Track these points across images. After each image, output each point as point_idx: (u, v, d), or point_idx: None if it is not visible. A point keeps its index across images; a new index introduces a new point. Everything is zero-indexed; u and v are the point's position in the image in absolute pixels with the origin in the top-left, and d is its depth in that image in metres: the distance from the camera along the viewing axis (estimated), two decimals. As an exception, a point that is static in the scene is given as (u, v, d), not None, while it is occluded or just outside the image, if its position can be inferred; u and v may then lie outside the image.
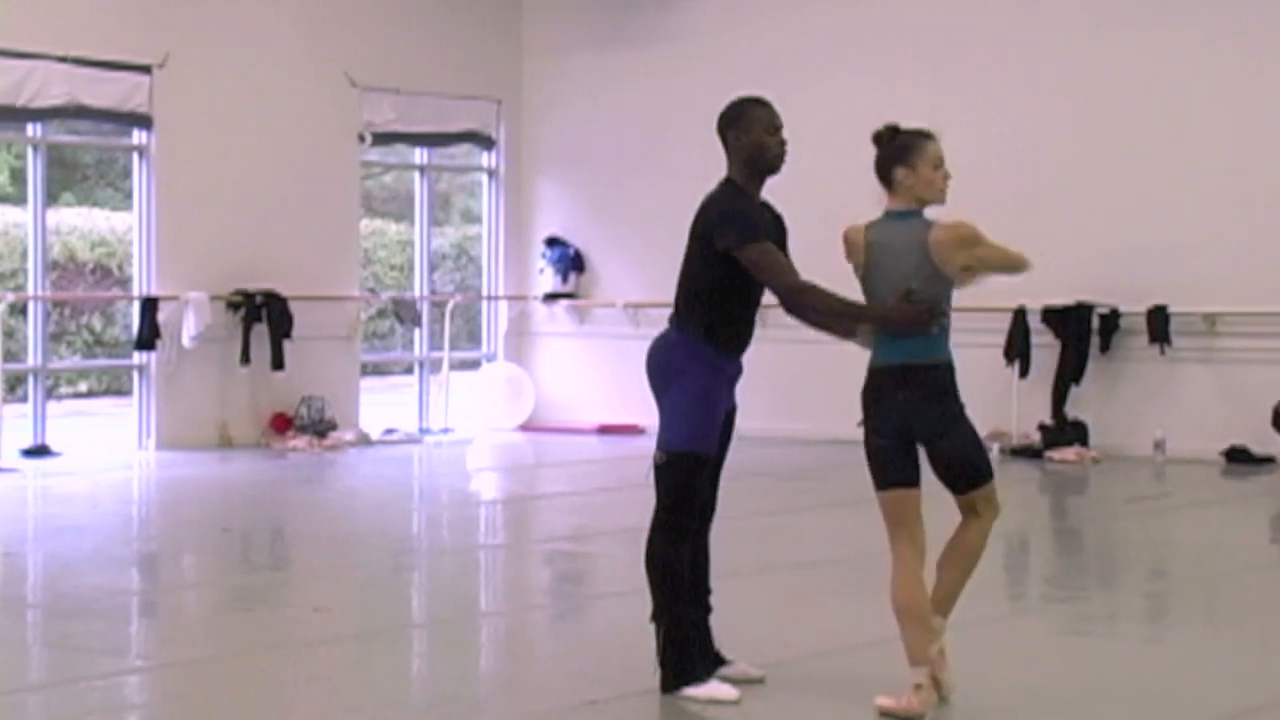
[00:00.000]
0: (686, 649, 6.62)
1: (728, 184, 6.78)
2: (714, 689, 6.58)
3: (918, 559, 6.42)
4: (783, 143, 6.77)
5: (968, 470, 6.48)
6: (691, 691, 6.57)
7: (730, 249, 6.56)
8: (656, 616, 6.67)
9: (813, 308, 6.58)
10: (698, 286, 6.70)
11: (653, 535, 6.77)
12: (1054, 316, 15.70)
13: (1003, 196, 14.80)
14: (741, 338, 6.77)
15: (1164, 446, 15.07)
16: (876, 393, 6.52)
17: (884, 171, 6.50)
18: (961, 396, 6.50)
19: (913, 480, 6.43)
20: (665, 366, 6.74)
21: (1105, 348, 15.71)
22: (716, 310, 6.67)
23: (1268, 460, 14.70)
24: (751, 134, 6.76)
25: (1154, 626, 8.70)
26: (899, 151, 6.47)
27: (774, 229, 6.75)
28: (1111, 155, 15.62)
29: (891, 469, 6.44)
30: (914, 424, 6.42)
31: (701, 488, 6.77)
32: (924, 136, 6.49)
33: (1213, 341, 15.27)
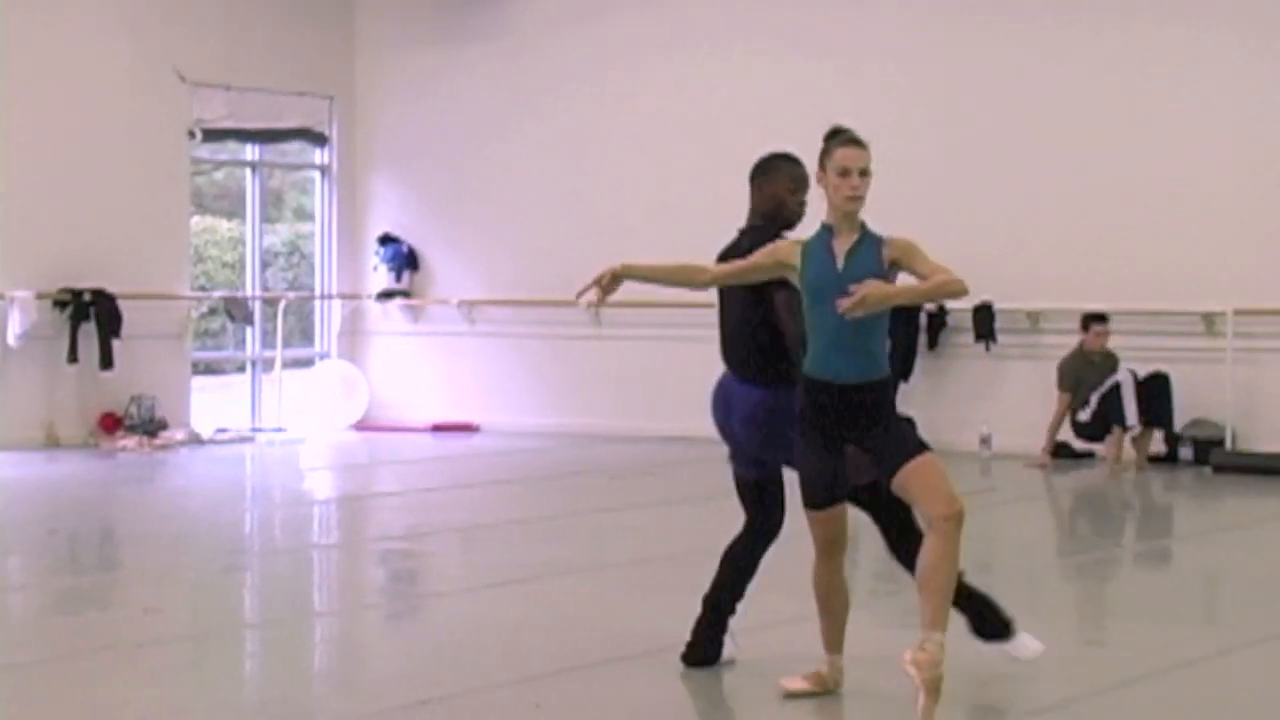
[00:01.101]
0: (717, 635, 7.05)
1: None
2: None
3: None
4: (802, 204, 7.02)
5: None
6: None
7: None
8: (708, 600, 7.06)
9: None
10: (757, 336, 6.85)
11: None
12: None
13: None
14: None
15: (990, 442, 15.35)
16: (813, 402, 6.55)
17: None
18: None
19: None
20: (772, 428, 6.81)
21: (933, 345, 15.98)
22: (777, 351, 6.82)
23: (1088, 455, 15.03)
24: (775, 188, 6.99)
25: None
26: (821, 153, 6.50)
27: None
28: (937, 154, 15.86)
29: None
30: None
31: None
32: (839, 142, 6.45)
33: (1036, 339, 15.59)
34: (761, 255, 6.56)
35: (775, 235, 6.85)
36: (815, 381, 6.38)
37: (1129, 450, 14.59)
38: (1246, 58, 14.89)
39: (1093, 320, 14.71)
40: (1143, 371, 14.63)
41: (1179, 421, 14.77)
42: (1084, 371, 14.68)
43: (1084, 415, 14.68)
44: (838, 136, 6.47)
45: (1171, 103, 15.11)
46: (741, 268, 6.63)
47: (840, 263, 6.39)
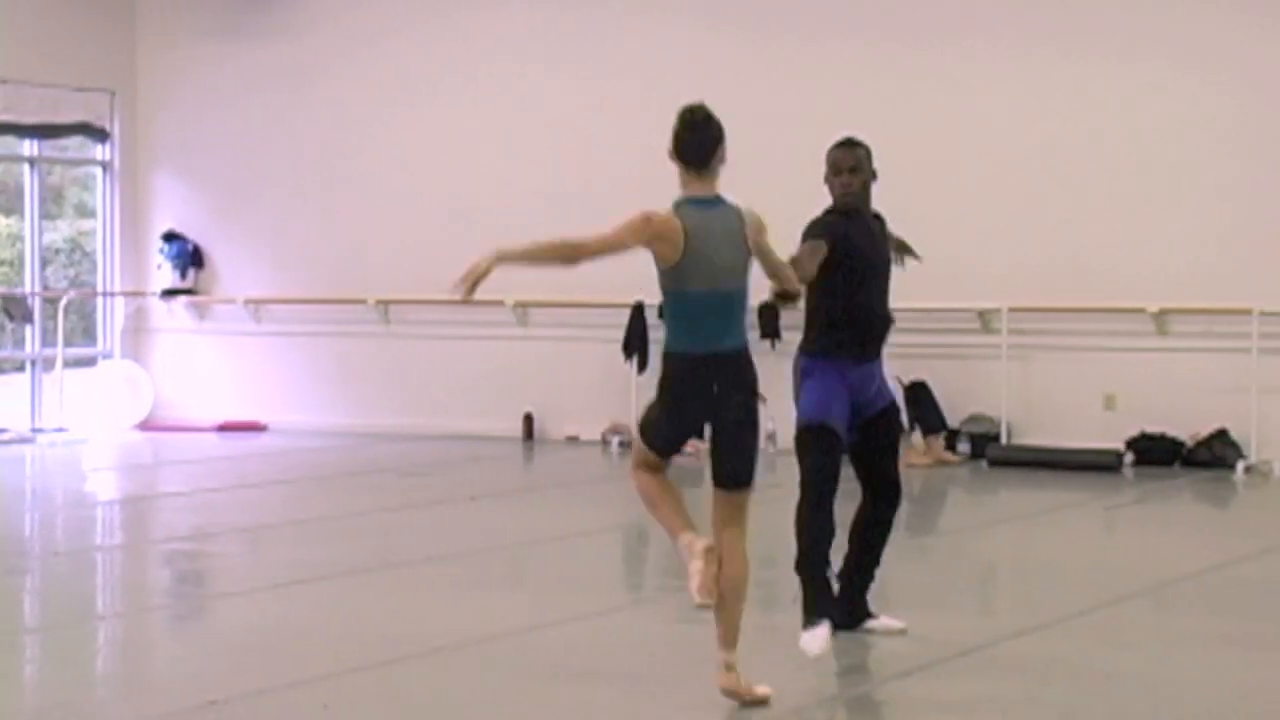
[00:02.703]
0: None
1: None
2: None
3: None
4: (843, 184, 7.61)
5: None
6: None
7: None
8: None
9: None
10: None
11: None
12: (671, 313, 16.07)
13: (616, 197, 15.13)
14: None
15: (775, 438, 15.56)
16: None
17: (707, 150, 6.59)
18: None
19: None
20: None
21: (720, 342, 16.15)
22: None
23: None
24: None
25: (762, 613, 9.02)
26: (722, 134, 6.64)
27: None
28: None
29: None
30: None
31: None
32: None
33: (820, 336, 15.83)
34: (632, 231, 6.39)
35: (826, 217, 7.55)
36: (708, 355, 6.44)
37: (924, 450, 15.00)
38: (1019, 56, 15.27)
39: None
40: (907, 377, 15.00)
41: (956, 418, 15.17)
42: None
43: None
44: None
45: (940, 102, 15.45)
46: (613, 240, 6.41)
47: None
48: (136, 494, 14.27)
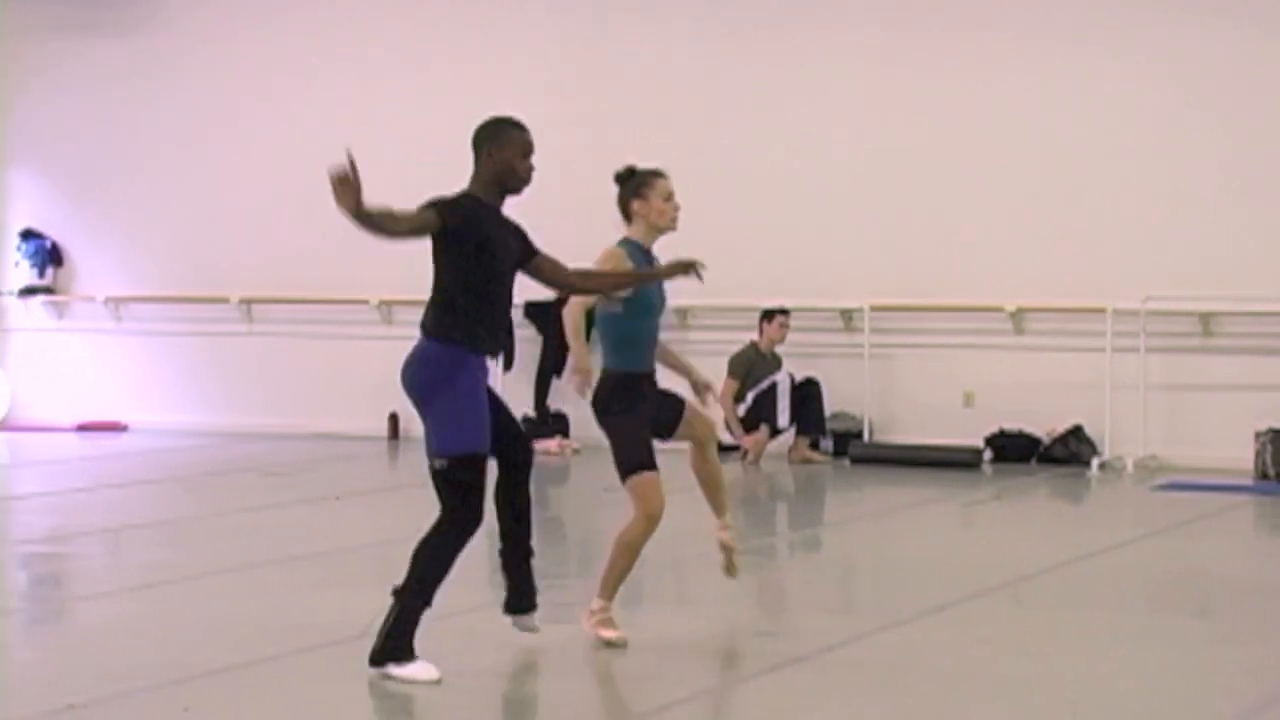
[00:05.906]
0: (407, 632, 6.81)
1: (465, 196, 7.05)
2: (418, 670, 6.77)
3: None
4: (531, 168, 7.12)
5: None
6: (396, 670, 6.77)
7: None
8: (400, 594, 6.85)
9: None
10: (446, 289, 7.16)
11: (435, 532, 6.98)
12: (535, 311, 16.10)
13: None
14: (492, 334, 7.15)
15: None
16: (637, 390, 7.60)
17: (623, 206, 7.55)
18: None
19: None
20: (427, 379, 7.13)
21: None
22: (465, 310, 7.11)
23: (733, 448, 15.44)
24: (505, 153, 7.04)
25: (629, 611, 9.07)
26: (635, 187, 7.48)
27: (515, 241, 7.13)
28: (596, 153, 16.03)
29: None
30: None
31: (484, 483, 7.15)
32: (655, 174, 7.53)
33: (685, 334, 15.92)
34: (607, 266, 7.45)
35: (501, 199, 7.10)
36: (642, 375, 7.68)
37: (772, 447, 15.06)
38: (876, 60, 15.47)
39: (777, 313, 15.08)
40: (799, 374, 15.14)
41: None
42: (756, 364, 15.04)
43: (740, 410, 15.08)
44: (651, 171, 7.52)
45: (805, 107, 15.61)
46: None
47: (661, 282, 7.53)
48: (-7, 495, 14.06)
